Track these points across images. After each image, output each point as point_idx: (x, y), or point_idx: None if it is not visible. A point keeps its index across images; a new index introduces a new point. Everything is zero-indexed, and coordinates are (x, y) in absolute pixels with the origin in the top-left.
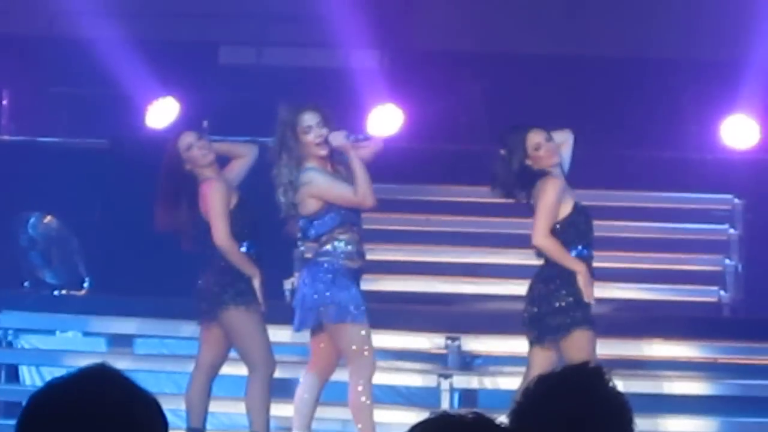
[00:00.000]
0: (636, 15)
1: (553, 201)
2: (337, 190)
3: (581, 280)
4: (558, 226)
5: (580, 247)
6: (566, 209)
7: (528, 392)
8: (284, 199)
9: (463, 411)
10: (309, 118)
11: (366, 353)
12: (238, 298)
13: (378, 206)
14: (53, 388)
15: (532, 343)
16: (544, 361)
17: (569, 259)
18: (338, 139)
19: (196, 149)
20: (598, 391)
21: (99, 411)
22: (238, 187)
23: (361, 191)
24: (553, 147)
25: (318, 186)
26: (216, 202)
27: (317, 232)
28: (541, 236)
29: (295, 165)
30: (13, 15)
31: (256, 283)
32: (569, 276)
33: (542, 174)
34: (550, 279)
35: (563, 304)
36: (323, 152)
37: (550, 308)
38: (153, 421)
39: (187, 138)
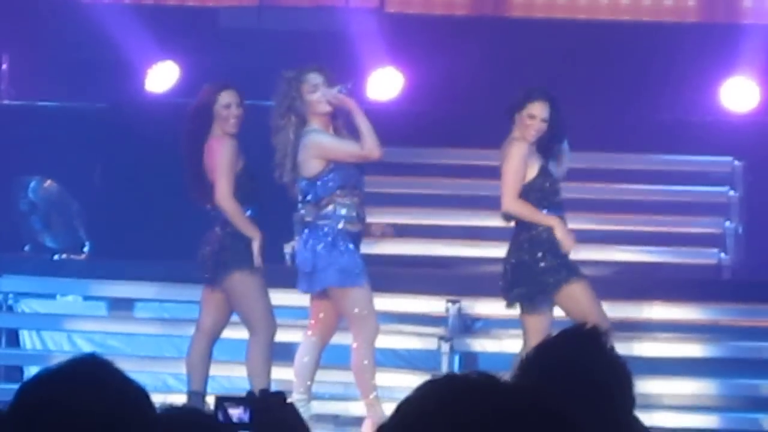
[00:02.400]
0: None
1: (518, 165)
2: (344, 147)
3: (559, 232)
4: (523, 189)
5: (545, 211)
6: (531, 173)
7: (527, 361)
8: (286, 161)
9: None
10: (314, 77)
11: (368, 316)
12: (239, 262)
13: (378, 169)
14: (44, 380)
15: (522, 310)
16: (538, 326)
17: (541, 217)
18: (334, 95)
19: (233, 109)
20: (596, 356)
21: (90, 404)
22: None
23: (368, 143)
24: (541, 128)
25: (323, 146)
26: (224, 160)
27: (318, 194)
28: (509, 201)
29: (298, 126)
30: None
31: (256, 246)
32: (545, 237)
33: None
34: (523, 245)
35: (546, 266)
36: (328, 109)
37: (531, 274)
38: (143, 414)
39: (230, 97)
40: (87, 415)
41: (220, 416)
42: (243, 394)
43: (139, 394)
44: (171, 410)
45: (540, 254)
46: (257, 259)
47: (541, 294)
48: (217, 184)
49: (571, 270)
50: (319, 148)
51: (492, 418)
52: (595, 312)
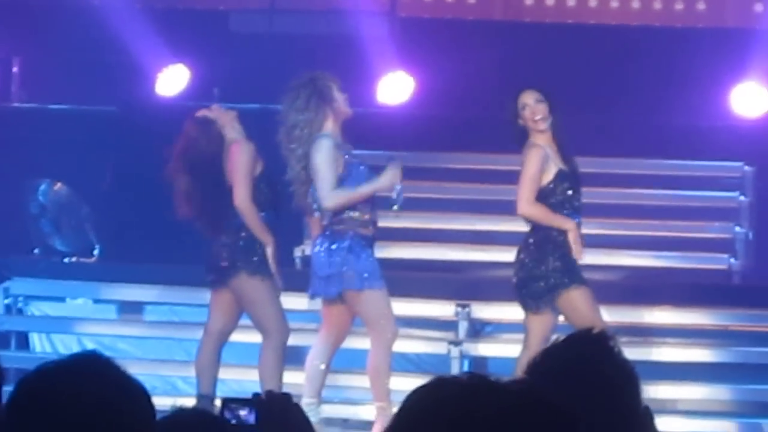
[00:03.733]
0: None
1: (534, 170)
2: (320, 175)
3: (571, 236)
4: (541, 193)
5: (564, 213)
6: (548, 176)
7: (534, 364)
8: (297, 166)
9: (457, 373)
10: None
11: (387, 319)
12: (251, 265)
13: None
14: (43, 375)
15: (526, 310)
16: (541, 327)
17: (557, 219)
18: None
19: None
20: (604, 359)
21: (89, 400)
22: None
23: (334, 196)
24: (540, 109)
25: (318, 158)
26: (244, 164)
27: None
28: (524, 205)
29: (314, 124)
30: None
31: (270, 251)
32: (555, 240)
33: (529, 135)
34: (536, 245)
35: (550, 268)
36: (350, 112)
37: (538, 273)
38: (142, 411)
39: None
40: (86, 405)
41: (227, 417)
42: (249, 395)
43: (138, 389)
44: (180, 412)
45: (544, 257)
46: (272, 264)
47: (542, 296)
48: (236, 188)
49: (573, 275)
50: (318, 159)
51: (483, 418)
52: (593, 319)
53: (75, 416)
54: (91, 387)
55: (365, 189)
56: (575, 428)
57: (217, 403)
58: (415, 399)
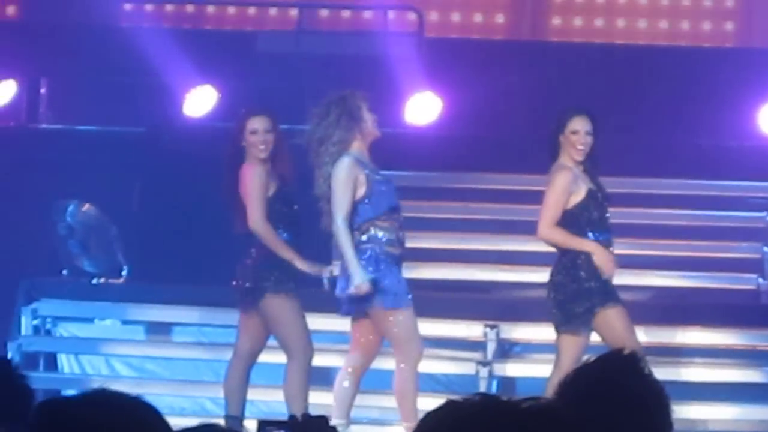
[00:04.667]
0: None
1: (559, 194)
2: (336, 197)
3: (597, 258)
4: (568, 214)
5: (591, 235)
6: (577, 197)
7: (565, 385)
8: (324, 184)
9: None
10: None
11: (413, 338)
12: (276, 286)
13: (417, 194)
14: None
15: (558, 331)
16: (572, 348)
17: (578, 242)
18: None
19: (260, 135)
20: (634, 380)
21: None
22: (279, 175)
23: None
24: (587, 141)
25: (335, 177)
26: (254, 186)
27: (357, 219)
28: (544, 229)
29: (344, 143)
30: (51, 4)
31: (299, 265)
32: (585, 261)
33: (561, 154)
34: (566, 266)
35: (586, 288)
36: (378, 134)
37: (571, 294)
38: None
39: (259, 123)
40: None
41: None
42: (285, 418)
43: (148, 410)
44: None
45: (578, 276)
46: (306, 269)
47: (576, 317)
48: (249, 209)
49: (607, 295)
50: (335, 177)
51: None
52: (629, 339)
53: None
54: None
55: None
56: None
57: (249, 424)
58: (428, 421)
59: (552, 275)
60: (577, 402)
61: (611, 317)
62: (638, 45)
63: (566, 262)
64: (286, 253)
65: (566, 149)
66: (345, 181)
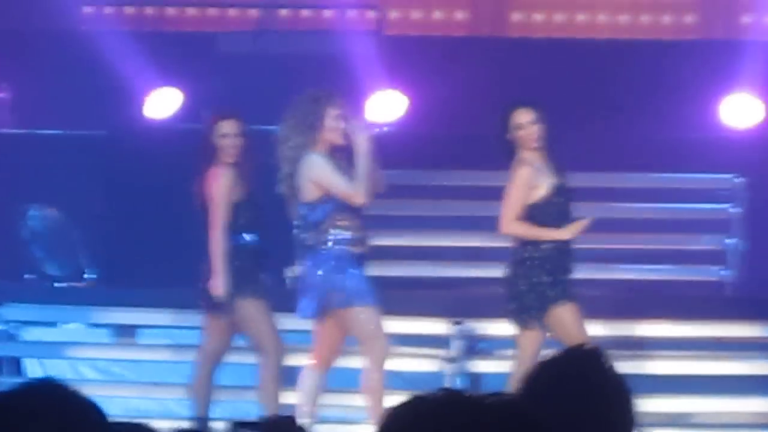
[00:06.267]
0: None
1: (519, 189)
2: (336, 181)
3: (566, 233)
4: (531, 208)
5: (559, 226)
6: (540, 192)
7: (528, 380)
8: (285, 182)
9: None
10: (340, 105)
11: (378, 336)
12: (245, 287)
13: (382, 191)
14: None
15: (517, 325)
16: (531, 342)
17: (544, 232)
18: (357, 131)
19: (230, 139)
20: (596, 374)
21: (41, 421)
22: (246, 178)
23: (358, 188)
24: (535, 130)
25: (317, 172)
26: (219, 192)
27: (317, 218)
28: (507, 224)
29: (301, 147)
30: (11, 9)
31: (212, 290)
32: (542, 255)
33: (518, 150)
34: (520, 261)
35: (538, 283)
36: (341, 142)
37: (526, 288)
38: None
39: (228, 127)
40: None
41: None
42: (255, 419)
43: (94, 412)
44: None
45: (531, 272)
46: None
47: (531, 312)
48: (210, 215)
49: (560, 291)
50: (314, 173)
51: None
52: (580, 336)
53: None
54: (45, 409)
55: None
56: None
57: (218, 426)
58: (392, 417)
59: (506, 270)
60: (539, 397)
61: (563, 314)
62: (599, 39)
63: (520, 258)
64: (218, 266)
65: (519, 144)
66: (331, 170)
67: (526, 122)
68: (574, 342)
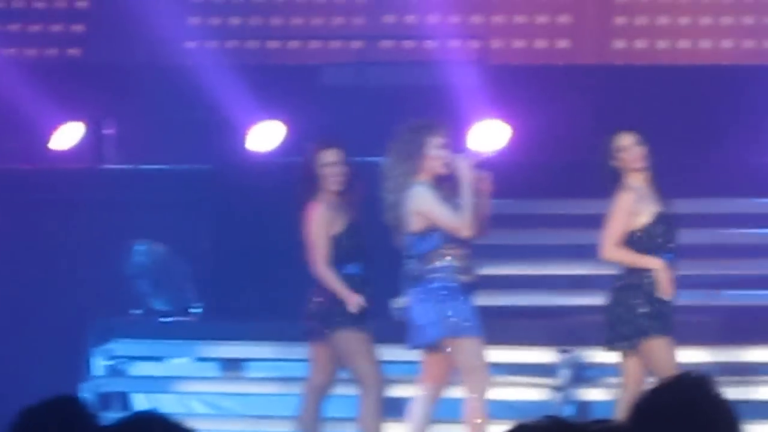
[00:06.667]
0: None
1: (621, 214)
2: (441, 213)
3: (658, 276)
4: (633, 235)
5: (660, 255)
6: (643, 219)
7: (635, 407)
8: (390, 212)
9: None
10: (443, 135)
11: (481, 367)
12: (346, 318)
13: (486, 230)
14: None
15: (621, 352)
16: (634, 367)
17: (643, 260)
18: (460, 164)
19: (333, 168)
20: (704, 401)
21: None
22: (349, 209)
23: (464, 220)
24: (638, 151)
25: (422, 203)
26: (313, 229)
27: (424, 248)
28: (607, 250)
29: (404, 176)
30: (115, 44)
31: (351, 308)
32: (643, 284)
33: (623, 177)
34: (622, 288)
35: (638, 313)
36: (443, 171)
37: (626, 317)
38: None
39: (331, 156)
40: None
41: None
42: None
43: None
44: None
45: (632, 300)
46: (355, 317)
47: (629, 339)
48: (309, 253)
49: (659, 323)
50: (421, 205)
51: None
52: (673, 370)
53: None
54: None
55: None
56: None
57: None
58: None
59: (609, 296)
60: (647, 424)
61: (657, 347)
62: (702, 65)
63: (622, 285)
64: (345, 296)
65: (623, 168)
66: (434, 201)
67: (629, 144)
68: (664, 376)
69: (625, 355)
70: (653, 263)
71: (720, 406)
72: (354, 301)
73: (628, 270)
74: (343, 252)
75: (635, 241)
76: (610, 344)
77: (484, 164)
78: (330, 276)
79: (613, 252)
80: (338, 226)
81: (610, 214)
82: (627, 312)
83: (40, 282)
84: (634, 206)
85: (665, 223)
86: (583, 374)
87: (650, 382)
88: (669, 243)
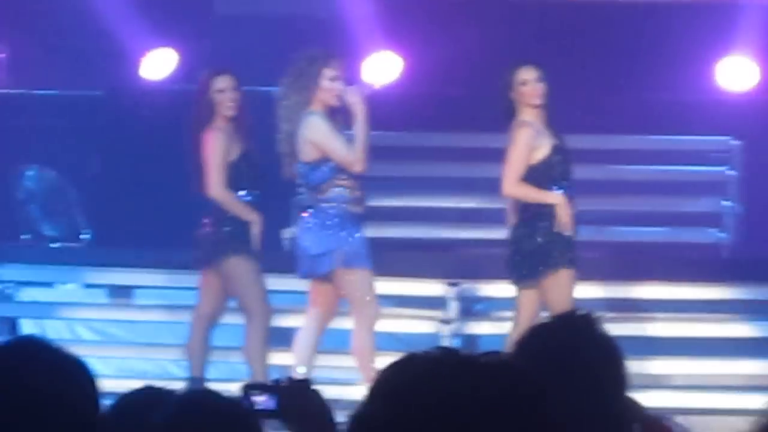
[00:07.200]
0: None
1: (520, 150)
2: (334, 145)
3: (558, 211)
4: (532, 169)
5: (554, 189)
6: (541, 152)
7: (521, 342)
8: (284, 141)
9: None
10: (336, 67)
11: (370, 299)
12: (236, 247)
13: (377, 153)
14: None
15: (516, 286)
16: (529, 303)
17: (544, 195)
18: (351, 94)
19: (228, 93)
20: (587, 339)
21: (20, 382)
22: (243, 137)
23: (357, 153)
24: (539, 87)
25: (316, 134)
26: (212, 153)
27: (318, 179)
28: (509, 186)
29: (298, 106)
30: None
31: (255, 229)
32: (546, 217)
33: (518, 111)
34: (527, 222)
35: (541, 244)
36: (335, 103)
37: (529, 250)
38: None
39: (225, 82)
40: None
41: (247, 403)
42: (268, 382)
43: (79, 371)
44: (192, 395)
45: (538, 233)
46: (256, 243)
47: (530, 273)
48: (207, 177)
49: (562, 256)
50: (315, 134)
51: (454, 392)
52: (570, 303)
53: (4, 398)
54: (24, 370)
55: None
56: (545, 399)
57: (232, 387)
58: (387, 375)
59: (512, 230)
60: (532, 359)
61: (562, 280)
62: (596, 1)
63: (527, 218)
64: (248, 216)
65: (522, 103)
66: (329, 132)
67: (531, 78)
68: (560, 309)
69: (521, 290)
70: (554, 198)
71: (603, 343)
72: (255, 218)
73: (529, 205)
74: (239, 178)
75: (535, 175)
76: (513, 277)
77: (374, 96)
78: (230, 198)
79: (516, 188)
80: (234, 152)
81: (511, 149)
82: (530, 245)
83: None
84: (533, 141)
85: (561, 154)
86: (472, 307)
87: (542, 317)
88: (566, 174)
